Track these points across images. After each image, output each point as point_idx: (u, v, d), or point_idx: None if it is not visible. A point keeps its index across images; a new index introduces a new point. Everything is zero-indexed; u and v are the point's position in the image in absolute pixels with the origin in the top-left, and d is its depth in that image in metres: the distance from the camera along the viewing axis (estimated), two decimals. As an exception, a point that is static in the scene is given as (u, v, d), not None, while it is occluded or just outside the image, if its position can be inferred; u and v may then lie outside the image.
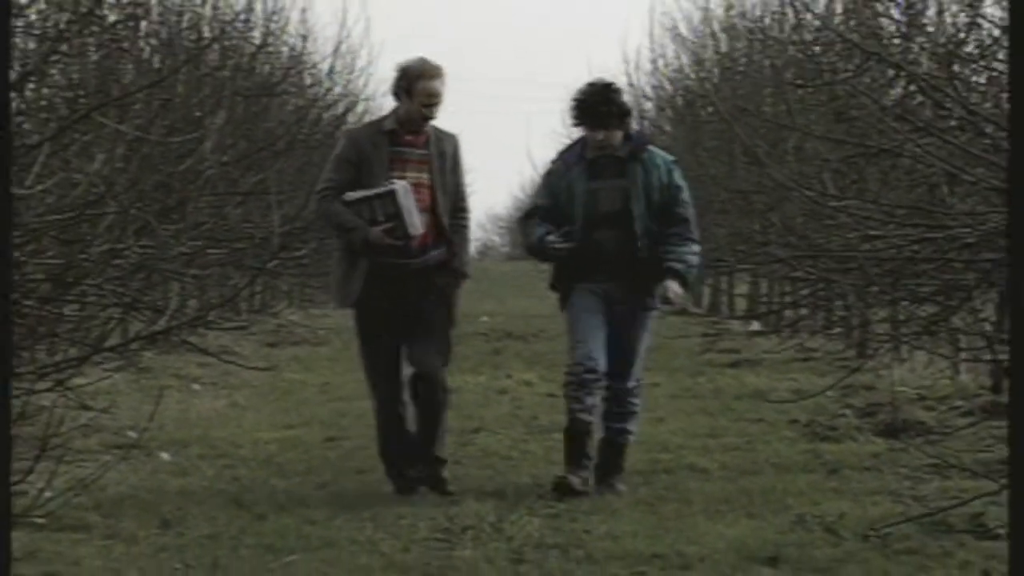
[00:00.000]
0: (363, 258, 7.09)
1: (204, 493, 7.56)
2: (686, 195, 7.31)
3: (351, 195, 7.01)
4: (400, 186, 6.96)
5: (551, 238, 7.11)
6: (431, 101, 7.15)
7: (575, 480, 7.00)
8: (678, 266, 7.12)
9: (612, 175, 7.17)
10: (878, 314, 13.32)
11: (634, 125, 7.58)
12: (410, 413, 7.33)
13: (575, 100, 7.27)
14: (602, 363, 7.06)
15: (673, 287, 7.12)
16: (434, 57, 7.19)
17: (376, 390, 7.35)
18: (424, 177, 7.14)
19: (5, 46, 1.95)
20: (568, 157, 7.35)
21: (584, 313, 7.16)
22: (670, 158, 7.43)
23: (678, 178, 7.27)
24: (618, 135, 7.23)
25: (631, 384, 7.28)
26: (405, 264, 7.09)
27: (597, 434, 7.27)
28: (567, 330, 7.32)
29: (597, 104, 7.20)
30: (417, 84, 7.11)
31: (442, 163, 7.20)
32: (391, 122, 7.25)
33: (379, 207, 6.95)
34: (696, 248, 7.26)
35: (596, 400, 7.11)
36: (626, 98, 7.45)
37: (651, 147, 7.44)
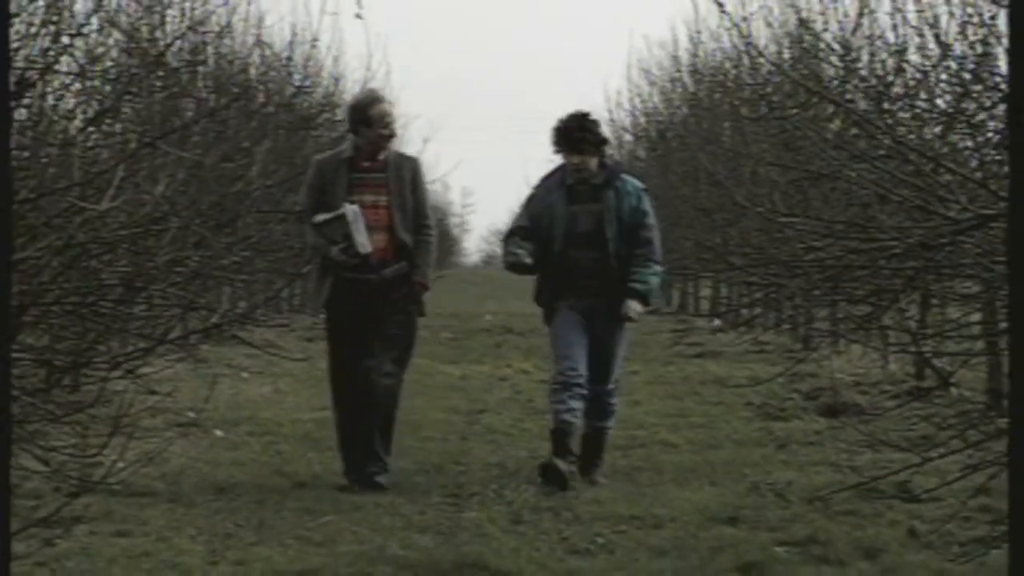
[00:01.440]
0: (330, 273, 6.78)
1: (252, 464, 7.58)
2: (652, 220, 6.96)
3: (318, 218, 6.72)
4: (349, 210, 6.62)
5: (519, 252, 6.83)
6: (387, 121, 6.82)
7: (561, 464, 6.74)
8: (640, 287, 6.82)
9: (588, 200, 6.85)
10: (820, 313, 13.34)
11: (610, 154, 7.25)
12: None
13: (555, 128, 6.97)
14: (583, 372, 6.77)
15: (634, 306, 6.82)
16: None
17: (335, 391, 6.91)
18: (382, 199, 6.75)
19: (5, 48, 1.84)
20: (549, 183, 7.03)
21: (566, 330, 6.86)
22: (641, 185, 7.12)
23: (646, 204, 6.96)
24: (593, 162, 6.90)
25: (609, 387, 6.97)
26: (365, 279, 6.70)
27: (579, 431, 7.00)
28: (551, 344, 7.04)
29: (573, 131, 6.88)
30: (372, 111, 6.78)
31: (400, 185, 6.79)
32: (349, 151, 6.88)
33: (337, 228, 6.66)
34: (658, 269, 6.93)
35: (578, 403, 6.77)
36: (602, 128, 7.14)
37: (624, 175, 7.09)
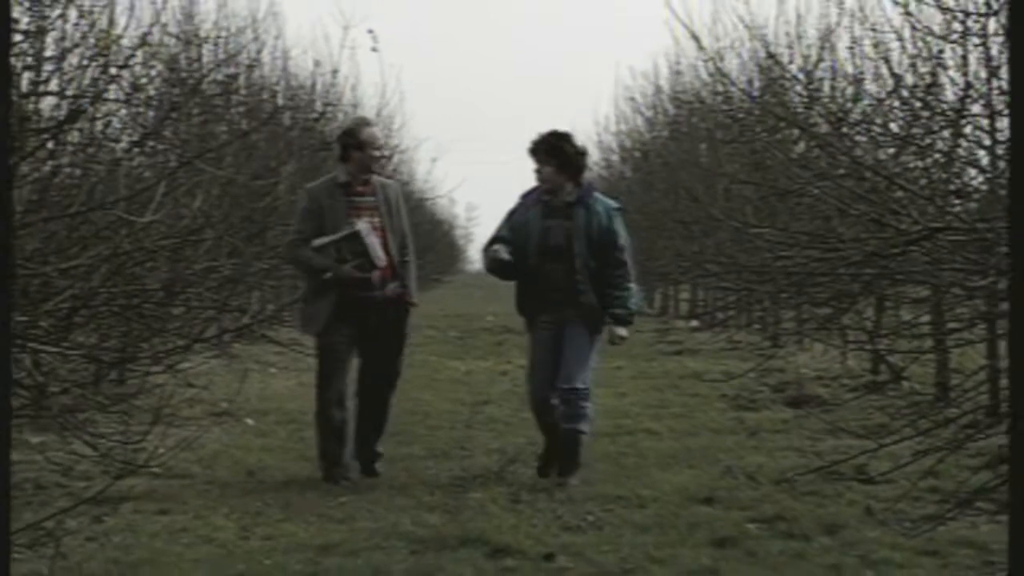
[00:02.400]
0: (331, 292, 6.35)
1: (279, 450, 7.57)
2: (623, 240, 6.54)
3: (318, 241, 6.34)
4: (362, 226, 6.34)
5: (497, 247, 6.51)
6: (378, 144, 6.57)
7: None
8: (621, 312, 6.50)
9: (561, 216, 6.50)
10: (786, 314, 13.36)
11: (596, 176, 6.97)
12: (351, 413, 6.56)
13: (531, 143, 6.63)
14: (550, 390, 6.50)
15: (619, 331, 6.55)
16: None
17: (321, 399, 6.49)
18: (376, 221, 6.46)
19: (5, 53, 1.77)
20: (528, 199, 6.67)
21: (539, 349, 6.57)
22: (613, 205, 6.68)
23: (617, 224, 6.54)
24: (562, 178, 6.52)
25: (580, 386, 6.46)
26: (369, 296, 6.39)
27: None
28: (527, 355, 6.81)
29: (535, 143, 6.55)
30: (363, 134, 6.48)
31: (388, 208, 6.50)
32: (343, 175, 6.49)
33: (346, 248, 6.31)
34: (633, 287, 6.57)
35: (553, 415, 6.55)
36: (571, 145, 6.60)
37: (596, 194, 6.66)
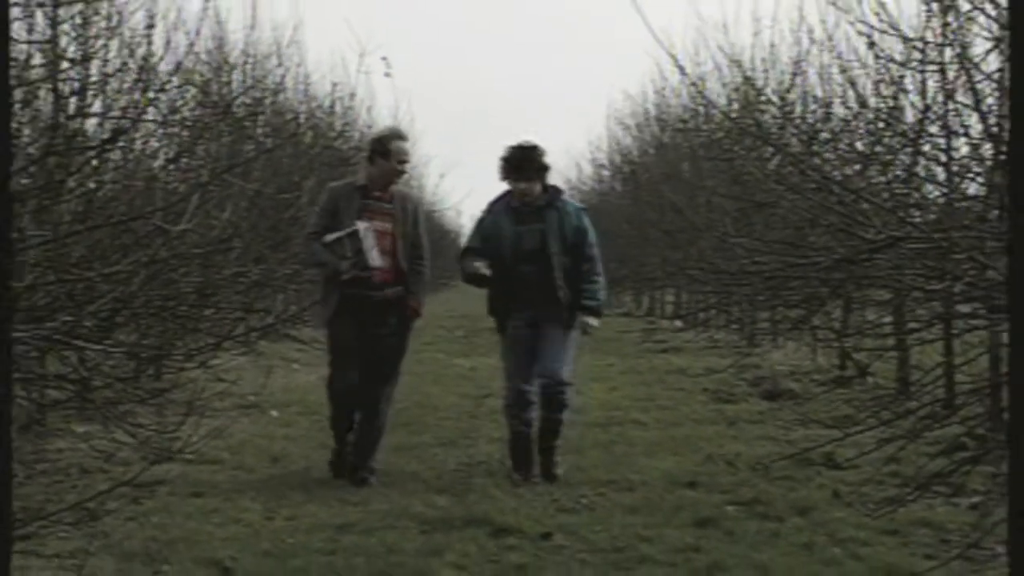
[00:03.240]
0: (336, 289, 6.07)
1: (301, 439, 7.57)
2: (592, 237, 6.30)
3: (329, 236, 6.05)
4: (361, 226, 6.01)
5: (477, 264, 6.21)
6: (404, 158, 6.23)
7: (520, 477, 6.16)
8: (592, 303, 6.24)
9: (532, 220, 6.21)
10: (762, 315, 13.34)
11: (571, 186, 6.65)
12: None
13: (502, 159, 6.28)
14: (531, 387, 6.16)
15: (591, 321, 6.28)
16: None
17: (332, 390, 6.22)
18: (388, 227, 6.12)
19: (5, 51, 1.66)
20: (497, 207, 6.35)
21: (515, 347, 6.24)
22: (581, 206, 6.48)
23: (586, 222, 6.29)
24: (537, 187, 6.25)
25: (562, 378, 6.20)
26: (368, 295, 6.05)
27: (535, 435, 6.31)
28: (502, 358, 6.40)
29: (519, 161, 6.21)
30: (392, 145, 6.17)
31: (404, 217, 6.18)
32: (362, 179, 6.22)
33: (348, 244, 5.99)
34: (601, 280, 6.30)
35: (530, 414, 6.17)
36: (543, 155, 6.30)
37: (564, 197, 6.39)
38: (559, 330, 6.23)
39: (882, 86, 7.25)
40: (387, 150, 6.19)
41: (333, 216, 6.14)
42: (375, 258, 5.97)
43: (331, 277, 6.09)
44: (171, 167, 7.28)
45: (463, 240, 7.54)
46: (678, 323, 18.86)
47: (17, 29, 5.46)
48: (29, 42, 5.63)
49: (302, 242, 6.29)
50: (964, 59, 6.05)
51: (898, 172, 6.97)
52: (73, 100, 5.77)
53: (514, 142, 6.32)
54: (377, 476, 6.13)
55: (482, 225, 6.38)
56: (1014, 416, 1.37)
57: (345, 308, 6.08)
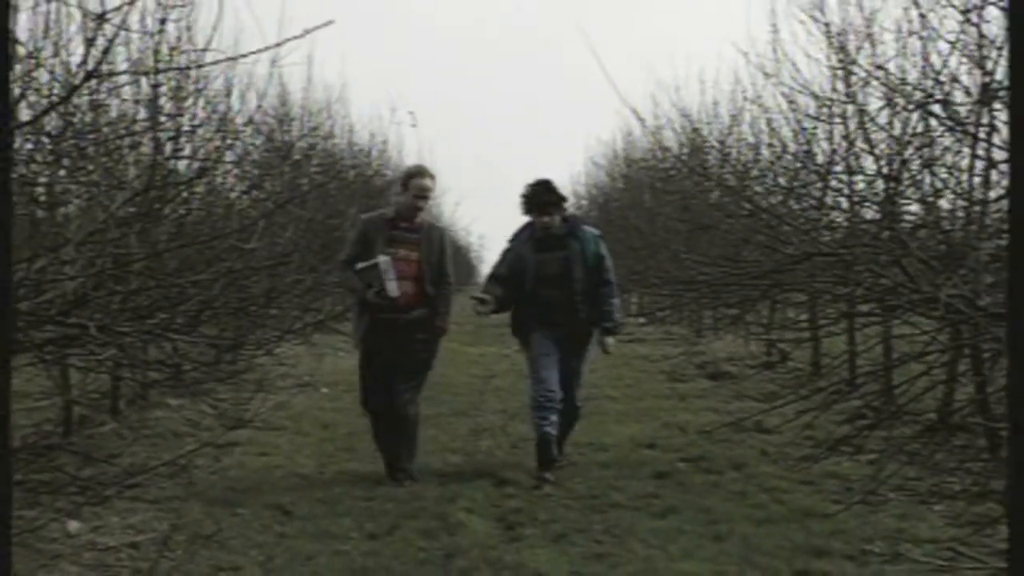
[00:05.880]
0: (366, 311, 5.35)
1: (347, 410, 7.53)
2: (609, 261, 5.59)
3: (359, 265, 5.32)
4: (382, 260, 5.28)
5: (486, 298, 5.50)
6: (422, 194, 5.41)
7: (549, 476, 5.28)
8: (611, 326, 5.49)
9: (554, 248, 5.50)
10: (707, 314, 13.34)
11: (570, 210, 5.69)
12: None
13: (524, 195, 5.59)
14: (557, 391, 5.37)
15: (610, 341, 5.55)
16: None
17: (368, 406, 5.44)
18: (414, 255, 5.37)
19: (5, 50, 1.50)
20: (521, 236, 5.65)
21: (541, 356, 5.42)
22: (597, 233, 5.71)
23: (603, 249, 5.58)
24: (557, 218, 5.56)
25: (578, 403, 5.57)
26: (395, 318, 5.30)
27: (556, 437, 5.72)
28: (529, 367, 5.53)
29: (540, 196, 5.52)
30: (412, 181, 5.43)
31: (430, 247, 5.41)
32: (391, 211, 5.49)
33: (372, 274, 5.28)
34: (617, 303, 5.56)
35: (555, 416, 5.36)
36: (560, 189, 5.65)
37: (584, 226, 5.65)
38: (578, 352, 5.52)
39: (798, 134, 7.30)
40: (408, 184, 5.59)
41: (364, 246, 5.48)
42: (393, 289, 5.28)
43: (360, 300, 5.47)
44: (244, 198, 7.30)
45: (471, 255, 7.47)
46: (642, 320, 18.87)
47: (126, 91, 5.48)
48: (136, 100, 5.65)
49: (337, 267, 5.60)
50: (862, 113, 6.09)
51: (811, 201, 7.01)
52: (169, 145, 5.79)
53: (531, 180, 5.68)
54: (413, 478, 5.32)
55: (508, 254, 5.67)
56: (1013, 414, 1.34)
57: (375, 329, 5.37)
